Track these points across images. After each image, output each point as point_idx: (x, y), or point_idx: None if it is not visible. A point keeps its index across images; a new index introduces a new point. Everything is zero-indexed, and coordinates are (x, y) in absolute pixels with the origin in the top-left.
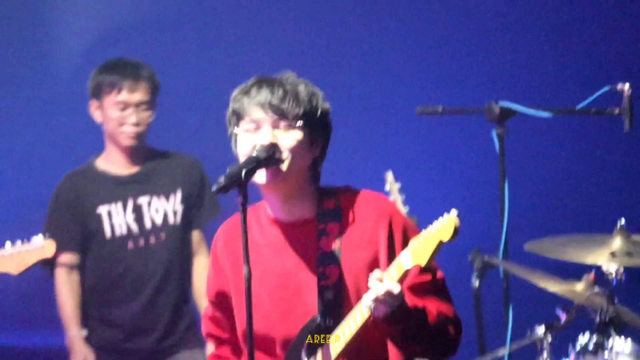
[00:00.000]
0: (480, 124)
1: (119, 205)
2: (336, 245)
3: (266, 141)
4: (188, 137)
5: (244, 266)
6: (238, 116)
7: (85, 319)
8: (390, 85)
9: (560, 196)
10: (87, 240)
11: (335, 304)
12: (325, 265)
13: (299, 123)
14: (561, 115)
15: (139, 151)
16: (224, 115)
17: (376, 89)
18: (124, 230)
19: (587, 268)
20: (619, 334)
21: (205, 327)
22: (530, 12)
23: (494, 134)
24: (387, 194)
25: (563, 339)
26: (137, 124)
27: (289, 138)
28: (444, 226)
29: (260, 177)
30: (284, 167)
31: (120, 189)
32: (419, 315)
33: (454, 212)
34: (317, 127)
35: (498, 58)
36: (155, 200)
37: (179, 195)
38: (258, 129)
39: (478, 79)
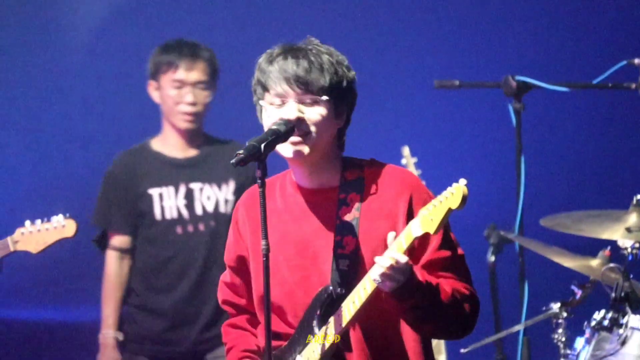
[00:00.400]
0: (497, 98)
1: (171, 188)
2: (355, 215)
3: (292, 116)
4: (244, 127)
5: (262, 241)
6: (263, 87)
7: (128, 306)
8: (408, 59)
9: (576, 171)
10: (137, 222)
11: (349, 274)
12: (342, 235)
13: (324, 97)
14: (578, 89)
15: (195, 135)
16: None
17: (393, 63)
18: (174, 214)
19: (602, 244)
20: (635, 310)
21: (222, 294)
22: None
23: (510, 108)
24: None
25: (578, 315)
26: (193, 104)
27: (314, 112)
28: (453, 195)
29: (287, 151)
30: (310, 141)
31: (174, 172)
32: (430, 291)
33: (462, 181)
34: (342, 98)
35: (515, 32)
36: (207, 187)
37: (231, 185)
38: (284, 103)
39: (495, 53)
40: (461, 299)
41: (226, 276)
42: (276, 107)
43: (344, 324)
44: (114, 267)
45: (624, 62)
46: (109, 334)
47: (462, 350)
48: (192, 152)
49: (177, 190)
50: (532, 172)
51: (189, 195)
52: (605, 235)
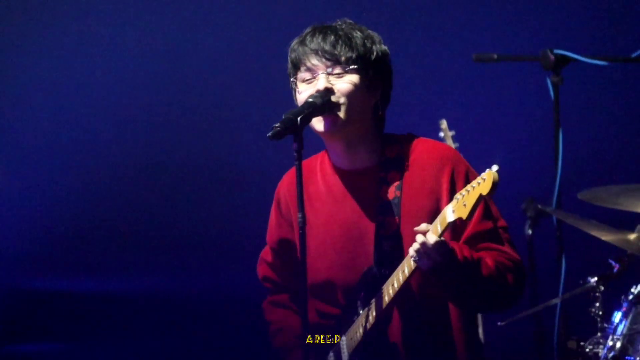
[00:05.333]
0: (535, 71)
1: None
2: (396, 194)
3: (321, 86)
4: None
5: (298, 213)
6: (295, 65)
7: None
8: (446, 33)
9: (614, 145)
10: None
11: (392, 254)
12: (384, 215)
13: (353, 67)
14: (616, 63)
15: None
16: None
17: (432, 36)
18: None
19: None
20: None
21: (262, 270)
22: None
23: (549, 81)
24: (441, 141)
25: (616, 288)
26: None
27: (344, 83)
28: (484, 181)
29: (319, 124)
30: (342, 113)
31: None
32: (471, 267)
33: (494, 167)
34: (374, 71)
35: (554, 5)
36: None
37: None
38: (314, 77)
39: (533, 27)
40: (504, 270)
41: (267, 254)
42: (307, 83)
43: (384, 305)
44: None
45: None
46: None
47: (499, 323)
48: None
49: None
50: (570, 145)
51: None
52: None
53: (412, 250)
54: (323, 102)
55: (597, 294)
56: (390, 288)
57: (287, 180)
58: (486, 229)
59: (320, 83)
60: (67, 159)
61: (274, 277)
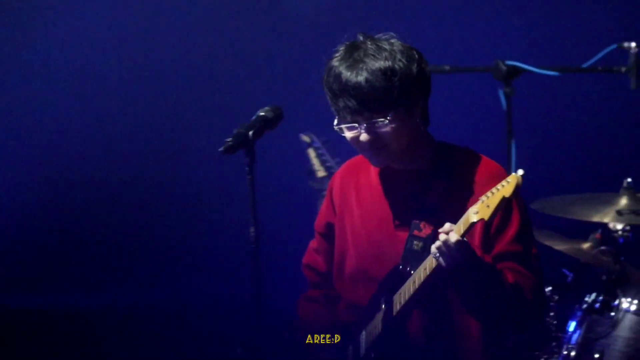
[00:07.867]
0: (487, 82)
1: None
2: (438, 201)
3: (365, 139)
4: None
5: (251, 228)
6: (334, 107)
7: None
8: None
9: (566, 155)
10: None
11: (419, 256)
12: (422, 218)
13: (390, 116)
14: (568, 73)
15: None
16: None
17: None
18: None
19: (593, 227)
20: (626, 292)
21: (307, 258)
22: None
23: (501, 92)
24: None
25: (570, 298)
26: None
27: (386, 130)
28: (508, 183)
29: (372, 161)
30: (391, 151)
31: None
32: (490, 273)
33: (520, 171)
34: (409, 100)
35: (505, 16)
36: None
37: None
38: (356, 128)
39: (485, 38)
40: (522, 287)
41: (314, 242)
42: (350, 131)
43: (404, 302)
44: None
45: (614, 46)
46: None
47: None
48: None
49: None
50: (523, 155)
51: None
52: (596, 218)
53: (434, 248)
54: (275, 116)
55: (552, 303)
56: (412, 285)
57: (342, 170)
58: (515, 250)
59: (363, 137)
60: (28, 171)
61: (315, 263)
